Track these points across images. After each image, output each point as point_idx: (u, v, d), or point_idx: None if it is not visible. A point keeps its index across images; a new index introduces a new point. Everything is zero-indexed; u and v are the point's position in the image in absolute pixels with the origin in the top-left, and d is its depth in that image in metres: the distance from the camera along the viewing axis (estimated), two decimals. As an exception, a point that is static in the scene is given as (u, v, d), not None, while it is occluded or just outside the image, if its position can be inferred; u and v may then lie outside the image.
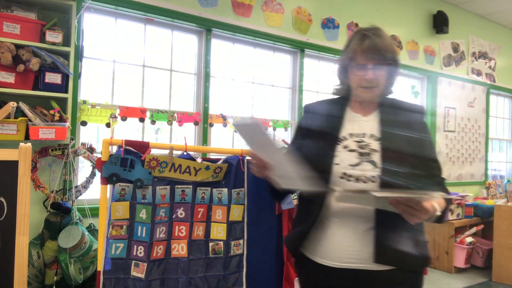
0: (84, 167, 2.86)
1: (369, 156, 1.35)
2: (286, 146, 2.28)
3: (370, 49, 1.36)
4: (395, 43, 4.62)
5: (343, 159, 1.36)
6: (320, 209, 1.37)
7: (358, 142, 1.39)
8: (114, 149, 1.95)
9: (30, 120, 2.34)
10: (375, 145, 1.37)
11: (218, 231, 2.09)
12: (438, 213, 1.22)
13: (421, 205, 1.14)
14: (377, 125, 1.42)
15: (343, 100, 1.51)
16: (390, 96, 1.51)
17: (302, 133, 1.55)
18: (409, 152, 1.35)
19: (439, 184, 1.39)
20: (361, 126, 1.43)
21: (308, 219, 1.42)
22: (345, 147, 1.39)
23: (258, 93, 3.75)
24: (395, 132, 1.39)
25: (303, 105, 1.62)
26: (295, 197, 2.18)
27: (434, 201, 1.21)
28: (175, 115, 3.17)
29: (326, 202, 1.37)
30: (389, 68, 1.40)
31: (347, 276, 1.34)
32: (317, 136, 1.46)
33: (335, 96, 1.56)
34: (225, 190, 2.12)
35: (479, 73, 5.62)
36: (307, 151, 1.45)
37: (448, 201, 1.33)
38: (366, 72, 1.37)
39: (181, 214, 2.02)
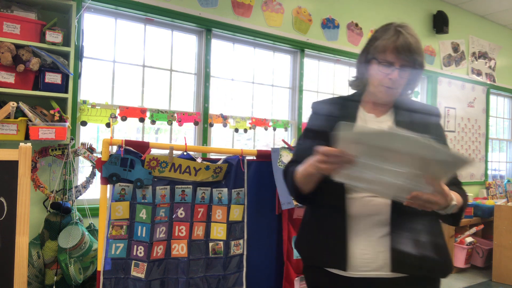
0: (84, 167, 2.86)
1: None
2: (287, 146, 2.28)
3: (403, 47, 1.27)
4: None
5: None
6: (335, 215, 1.28)
7: None
8: (114, 149, 1.95)
9: (30, 120, 2.34)
10: None
11: (218, 231, 2.09)
12: (454, 203, 1.14)
13: (440, 186, 1.06)
14: (391, 125, 1.35)
15: (355, 99, 1.43)
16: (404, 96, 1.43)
17: (311, 134, 1.43)
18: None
19: (455, 184, 1.30)
20: (375, 127, 1.35)
21: (321, 225, 1.34)
22: None
23: (258, 93, 3.75)
24: (408, 131, 1.31)
25: (311, 103, 1.52)
26: (295, 197, 2.17)
27: (451, 192, 1.14)
28: (175, 115, 3.17)
29: (343, 207, 1.28)
30: (415, 72, 1.32)
31: (360, 285, 1.25)
32: (327, 137, 1.31)
33: (346, 94, 1.47)
34: (225, 190, 2.12)
35: (479, 73, 5.62)
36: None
37: (465, 200, 1.26)
38: (392, 71, 1.28)
39: (181, 214, 2.02)
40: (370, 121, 1.37)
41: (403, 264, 1.22)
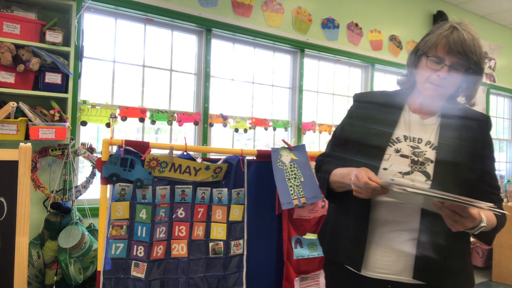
0: (84, 167, 2.86)
1: (423, 166, 1.20)
2: (287, 146, 2.28)
3: (456, 43, 1.17)
4: (395, 43, 4.62)
5: (394, 165, 1.20)
6: (359, 214, 1.25)
7: (413, 148, 1.23)
8: (114, 149, 1.95)
9: (30, 120, 2.34)
10: (431, 154, 1.21)
11: (218, 231, 2.09)
12: (484, 224, 1.07)
13: (467, 211, 1.00)
14: (436, 131, 1.26)
15: (402, 96, 1.34)
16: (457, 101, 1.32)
17: (351, 125, 1.36)
18: (466, 166, 1.20)
19: (495, 202, 1.22)
20: (419, 129, 1.27)
21: (344, 221, 1.30)
22: (397, 150, 1.23)
23: (258, 93, 3.74)
24: (453, 142, 1.22)
25: (354, 95, 1.44)
26: (295, 197, 2.18)
27: (482, 212, 1.07)
28: (175, 115, 3.17)
29: (368, 207, 1.24)
30: (469, 72, 1.20)
31: (380, 287, 1.23)
32: (367, 132, 1.28)
33: (394, 89, 1.39)
34: (225, 190, 2.12)
35: (479, 73, 5.62)
36: (354, 148, 1.28)
37: (501, 220, 1.19)
38: (442, 67, 1.19)
39: (181, 214, 2.02)
40: (413, 122, 1.29)
41: (425, 272, 1.18)
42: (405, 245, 1.19)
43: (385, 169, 1.21)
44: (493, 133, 5.92)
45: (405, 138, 1.25)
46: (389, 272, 1.21)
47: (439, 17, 4.92)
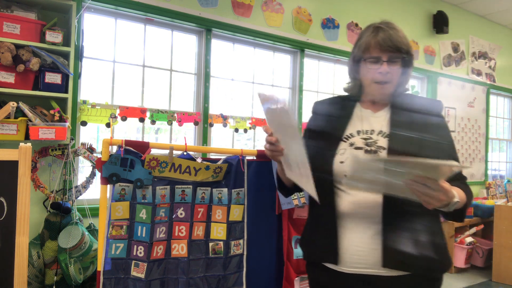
0: (84, 167, 2.86)
1: (375, 154, 1.27)
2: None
3: (385, 41, 1.29)
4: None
5: (349, 157, 1.27)
6: (327, 212, 1.31)
7: (366, 139, 1.32)
8: (114, 149, 1.95)
9: (30, 120, 2.34)
10: (383, 142, 1.29)
11: (218, 231, 2.09)
12: (456, 199, 1.12)
13: (438, 184, 1.04)
14: (387, 121, 1.35)
15: (354, 96, 1.44)
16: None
17: (310, 133, 1.47)
18: (420, 149, 1.25)
19: (459, 180, 1.29)
20: (370, 122, 1.36)
21: (316, 222, 1.37)
22: (352, 144, 1.31)
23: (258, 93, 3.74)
24: (404, 128, 1.30)
25: (313, 103, 1.57)
26: (295, 197, 2.18)
27: (453, 189, 1.12)
28: (175, 115, 3.17)
29: (333, 204, 1.30)
30: (404, 62, 1.32)
31: (357, 282, 1.27)
32: (323, 134, 1.39)
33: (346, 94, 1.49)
34: (225, 190, 2.12)
35: (479, 73, 5.62)
36: (312, 150, 1.32)
37: (469, 196, 1.25)
38: (380, 65, 1.30)
39: (181, 214, 2.02)
40: (365, 116, 1.38)
41: (394, 262, 1.22)
42: (375, 238, 1.24)
43: (341, 162, 1.28)
44: (493, 133, 5.94)
45: (358, 132, 1.35)
46: (365, 266, 1.25)
47: (439, 17, 4.93)
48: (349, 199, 1.28)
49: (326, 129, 1.40)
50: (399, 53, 1.30)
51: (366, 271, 1.25)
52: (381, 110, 1.38)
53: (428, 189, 1.04)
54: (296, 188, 1.48)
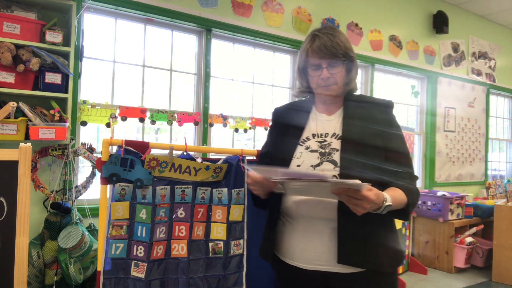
0: (84, 167, 2.86)
1: (330, 155, 1.33)
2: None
3: (321, 48, 1.36)
4: (395, 43, 4.62)
5: (305, 160, 1.35)
6: (279, 211, 1.41)
7: (320, 142, 1.39)
8: (114, 149, 1.95)
9: (30, 120, 2.34)
10: (336, 144, 1.36)
11: (218, 231, 2.09)
12: (388, 203, 1.18)
13: (360, 194, 1.10)
14: (340, 123, 1.41)
15: (309, 101, 1.53)
16: (356, 93, 1.50)
17: (271, 138, 1.56)
18: (371, 149, 1.32)
19: (405, 178, 1.34)
20: (325, 125, 1.43)
21: (272, 222, 1.45)
22: (307, 148, 1.39)
23: (258, 93, 3.75)
24: (356, 129, 1.37)
25: (274, 109, 1.67)
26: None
27: (386, 192, 1.20)
28: (175, 115, 3.17)
29: (285, 204, 1.39)
30: (344, 65, 1.38)
31: (317, 278, 1.33)
32: (281, 139, 1.48)
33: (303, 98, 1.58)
34: (225, 190, 2.12)
35: (479, 73, 5.62)
36: (273, 154, 1.48)
37: (410, 196, 1.30)
38: (321, 71, 1.38)
39: (181, 214, 2.02)
40: (320, 120, 1.46)
41: (348, 259, 1.28)
42: (332, 236, 1.31)
43: (298, 165, 1.36)
44: (493, 133, 5.94)
45: (314, 135, 1.42)
46: (323, 263, 1.31)
47: (439, 17, 4.93)
48: (305, 199, 1.34)
49: (285, 135, 1.48)
50: (336, 57, 1.36)
51: (324, 268, 1.31)
52: (334, 113, 1.46)
53: (352, 198, 1.12)
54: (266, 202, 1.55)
